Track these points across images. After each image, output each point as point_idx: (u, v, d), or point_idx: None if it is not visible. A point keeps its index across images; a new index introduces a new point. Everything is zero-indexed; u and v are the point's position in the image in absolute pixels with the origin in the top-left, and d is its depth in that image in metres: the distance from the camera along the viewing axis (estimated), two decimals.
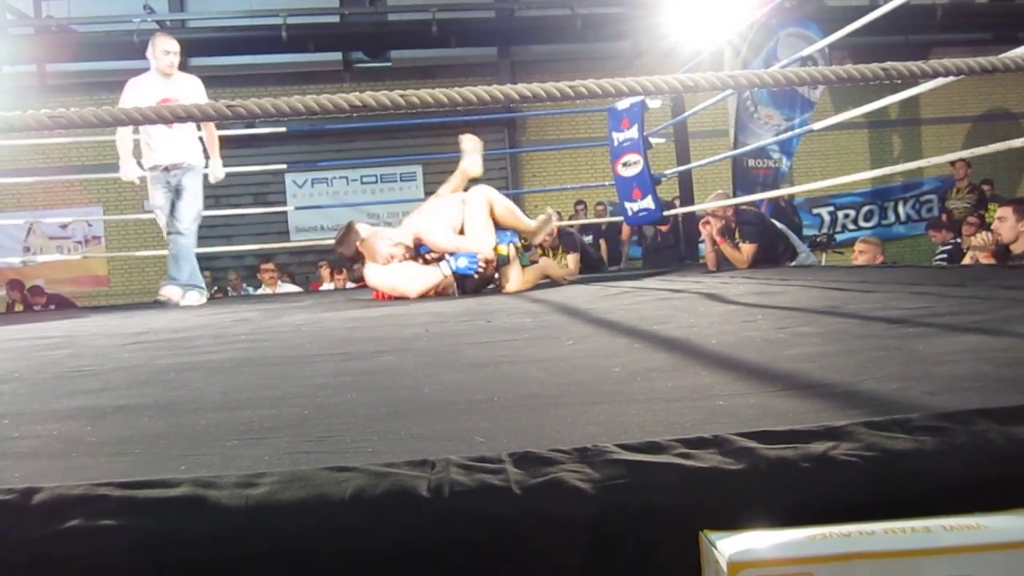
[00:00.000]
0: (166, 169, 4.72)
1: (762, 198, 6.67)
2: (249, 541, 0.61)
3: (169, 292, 4.69)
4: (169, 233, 4.78)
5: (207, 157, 5.02)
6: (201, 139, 5.01)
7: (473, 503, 0.63)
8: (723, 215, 5.19)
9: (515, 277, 4.06)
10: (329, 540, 0.61)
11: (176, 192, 4.76)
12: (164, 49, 4.68)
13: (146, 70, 4.77)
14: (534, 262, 4.76)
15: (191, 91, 4.73)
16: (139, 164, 4.84)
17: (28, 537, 0.61)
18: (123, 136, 4.84)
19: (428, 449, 0.80)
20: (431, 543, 0.61)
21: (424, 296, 3.93)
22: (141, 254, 9.24)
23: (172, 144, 4.70)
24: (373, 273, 4.05)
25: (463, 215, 4.07)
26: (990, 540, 0.53)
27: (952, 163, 8.38)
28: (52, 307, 8.21)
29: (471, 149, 4.52)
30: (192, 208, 4.79)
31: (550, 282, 4.46)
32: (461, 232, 4.07)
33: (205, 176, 5.03)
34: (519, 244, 4.25)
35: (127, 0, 10.73)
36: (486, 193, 4.17)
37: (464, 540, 0.62)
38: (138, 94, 4.60)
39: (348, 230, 4.13)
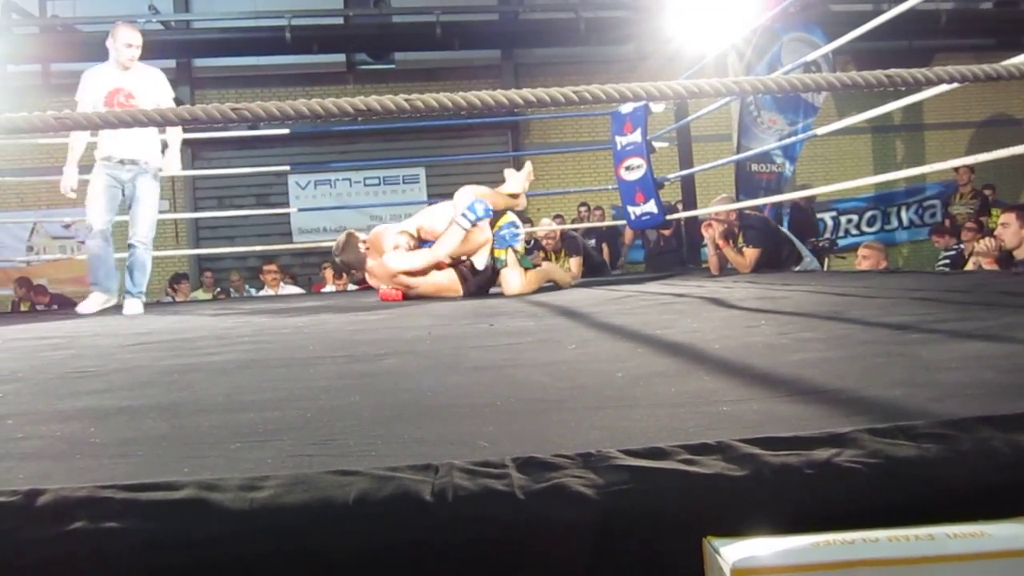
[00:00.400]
0: (120, 162, 4.33)
1: (766, 202, 6.68)
2: (252, 544, 0.61)
3: (132, 308, 4.29)
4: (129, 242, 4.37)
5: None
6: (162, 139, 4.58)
7: (476, 508, 0.63)
8: (726, 219, 5.19)
9: (515, 280, 4.06)
10: (332, 544, 0.61)
11: (131, 199, 4.37)
12: (127, 42, 4.30)
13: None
14: (537, 265, 4.75)
15: (150, 83, 4.38)
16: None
17: (32, 539, 0.61)
18: (78, 136, 4.37)
19: (431, 453, 0.80)
20: (434, 547, 0.61)
21: (456, 262, 4.03)
22: None
23: (130, 137, 4.30)
24: (394, 259, 3.98)
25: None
26: (994, 548, 0.53)
27: (955, 169, 8.38)
28: (55, 307, 8.22)
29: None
30: (149, 217, 4.42)
31: (553, 285, 4.46)
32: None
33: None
34: (519, 248, 4.24)
35: (132, 0, 10.76)
36: (472, 188, 4.20)
37: (467, 545, 0.62)
38: (93, 85, 4.30)
39: (348, 238, 4.16)
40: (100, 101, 4.28)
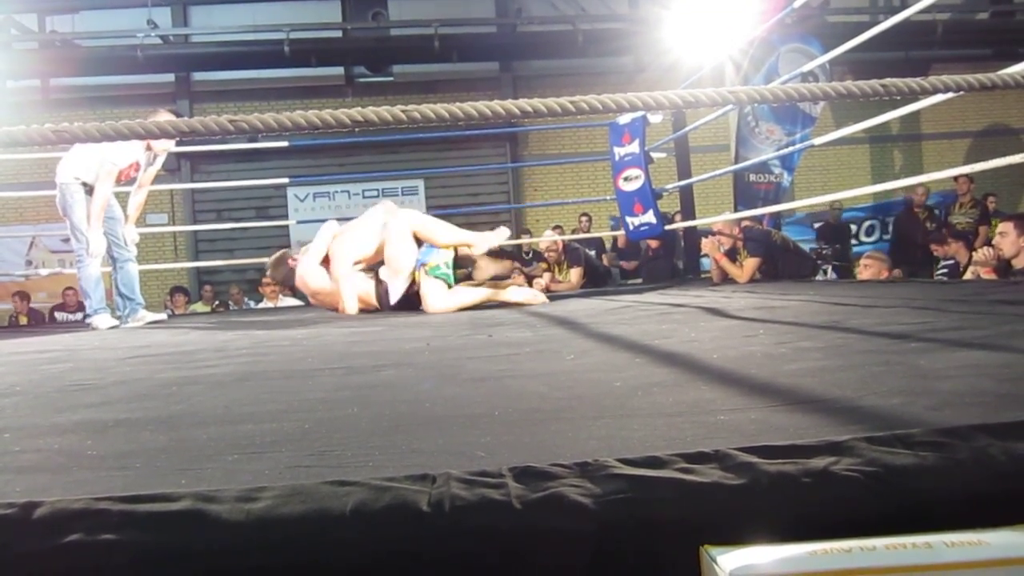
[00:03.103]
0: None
1: (764, 212, 6.70)
2: (250, 555, 0.61)
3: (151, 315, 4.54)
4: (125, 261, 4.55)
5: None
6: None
7: (474, 518, 0.63)
8: (730, 233, 5.25)
9: (432, 298, 3.87)
10: (329, 554, 0.61)
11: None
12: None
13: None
14: (503, 285, 4.23)
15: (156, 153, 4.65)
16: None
17: (29, 551, 0.61)
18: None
19: (429, 463, 0.80)
20: (431, 558, 0.61)
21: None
22: (142, 268, 9.24)
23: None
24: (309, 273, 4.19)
25: (382, 239, 4.06)
26: (992, 556, 0.52)
27: (955, 178, 8.40)
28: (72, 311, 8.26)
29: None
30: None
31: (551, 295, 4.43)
32: (377, 255, 4.10)
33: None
34: (434, 262, 3.96)
35: (131, 15, 10.80)
36: (408, 219, 4.11)
37: (464, 555, 0.62)
38: (127, 150, 4.35)
39: (280, 259, 4.44)
40: (124, 166, 4.38)
